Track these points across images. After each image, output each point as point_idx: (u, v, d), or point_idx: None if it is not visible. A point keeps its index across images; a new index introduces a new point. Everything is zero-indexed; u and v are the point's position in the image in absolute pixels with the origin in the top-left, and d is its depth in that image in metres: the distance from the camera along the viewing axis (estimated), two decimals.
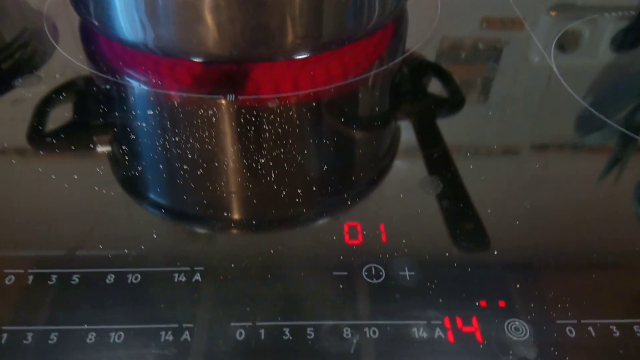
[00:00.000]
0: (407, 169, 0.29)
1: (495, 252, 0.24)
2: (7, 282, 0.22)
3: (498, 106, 0.34)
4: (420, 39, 0.39)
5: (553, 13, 0.44)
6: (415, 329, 0.20)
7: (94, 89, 0.33)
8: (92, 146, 0.29)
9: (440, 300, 0.21)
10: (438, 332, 0.20)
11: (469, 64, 0.37)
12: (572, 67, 0.37)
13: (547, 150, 0.31)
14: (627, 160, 0.30)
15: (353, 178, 0.28)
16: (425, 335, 0.20)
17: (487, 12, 0.43)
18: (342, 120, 0.32)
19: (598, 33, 0.42)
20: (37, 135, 0.29)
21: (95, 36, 0.37)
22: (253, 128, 0.30)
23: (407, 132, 0.31)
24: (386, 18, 0.36)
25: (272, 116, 0.30)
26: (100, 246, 0.23)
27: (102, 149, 0.29)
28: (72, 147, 0.29)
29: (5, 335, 0.20)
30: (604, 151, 0.30)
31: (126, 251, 0.23)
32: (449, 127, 0.31)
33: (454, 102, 0.34)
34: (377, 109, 0.34)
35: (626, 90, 0.36)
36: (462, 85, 0.35)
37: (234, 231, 0.25)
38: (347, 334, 0.20)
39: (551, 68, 0.36)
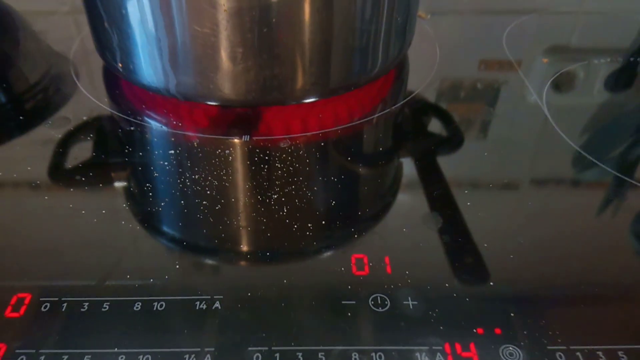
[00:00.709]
0: (410, 204, 0.31)
1: (492, 284, 0.25)
2: (43, 309, 0.23)
3: (494, 145, 0.36)
4: (421, 82, 0.42)
5: (545, 60, 0.47)
6: (418, 354, 0.22)
7: (119, 130, 0.36)
8: (118, 183, 0.31)
9: (441, 327, 0.23)
10: (439, 357, 0.22)
11: (466, 106, 0.40)
12: (563, 109, 0.40)
13: (541, 188, 0.33)
14: (617, 199, 0.32)
15: (359, 213, 0.30)
16: (427, 359, 0.22)
17: (482, 57, 0.46)
18: (349, 159, 0.34)
19: (589, 77, 0.45)
20: (66, 173, 0.32)
21: (118, 80, 0.40)
22: (266, 166, 0.32)
23: (409, 169, 0.34)
24: (389, 65, 0.39)
25: (284, 155, 0.33)
26: (128, 276, 0.25)
27: (128, 186, 0.31)
28: (100, 185, 0.31)
29: (42, 358, 0.22)
30: (594, 189, 0.32)
31: (151, 281, 0.25)
32: (448, 165, 0.33)
33: (453, 141, 0.36)
34: (381, 149, 0.36)
35: (616, 132, 0.38)
36: (461, 125, 0.37)
37: (250, 263, 0.27)
38: (356, 359, 0.22)
39: (542, 109, 0.38)
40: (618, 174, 0.33)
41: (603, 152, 0.35)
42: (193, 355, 0.22)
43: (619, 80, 0.45)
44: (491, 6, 0.56)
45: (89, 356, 0.22)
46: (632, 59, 0.47)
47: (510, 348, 0.22)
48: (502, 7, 0.56)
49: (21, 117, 0.37)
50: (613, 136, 0.38)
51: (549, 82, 0.42)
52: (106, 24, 0.35)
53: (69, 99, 0.39)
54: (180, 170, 0.32)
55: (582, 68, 0.45)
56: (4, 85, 0.40)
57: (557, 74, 0.44)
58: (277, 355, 0.22)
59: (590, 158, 0.34)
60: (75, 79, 0.41)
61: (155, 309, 0.24)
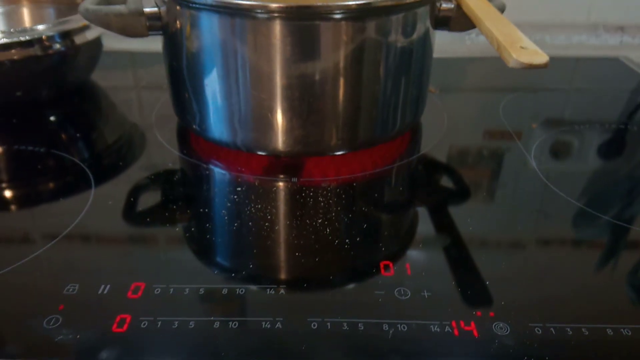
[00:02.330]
0: (423, 228, 0.39)
1: (487, 282, 0.34)
2: (155, 292, 0.32)
3: (494, 198, 0.45)
4: (431, 143, 0.52)
5: (534, 125, 0.56)
6: (431, 326, 0.30)
7: (197, 173, 0.46)
8: (201, 210, 0.40)
9: (449, 309, 0.31)
10: (447, 329, 0.30)
11: (471, 168, 0.49)
12: (559, 173, 0.47)
13: (536, 227, 0.41)
14: (621, 248, 0.38)
15: (385, 233, 0.39)
16: (438, 330, 0.30)
17: (481, 125, 0.56)
18: (375, 195, 0.43)
19: (582, 144, 0.53)
20: (161, 204, 0.41)
21: (189, 136, 0.50)
22: (311, 200, 0.41)
23: (421, 207, 0.42)
24: (405, 128, 0.49)
25: (324, 193, 0.42)
26: (216, 272, 0.34)
27: (210, 212, 0.40)
28: (188, 211, 0.40)
29: (160, 323, 0.30)
30: (588, 233, 0.39)
31: (233, 275, 0.33)
32: (453, 208, 0.42)
33: (459, 192, 0.45)
34: (400, 188, 0.46)
35: (613, 191, 0.45)
36: (464, 177, 0.47)
37: (305, 264, 0.35)
38: (386, 328, 0.30)
39: (536, 172, 0.47)
40: (618, 222, 0.39)
41: (600, 205, 0.41)
42: (268, 322, 0.30)
43: (610, 148, 0.53)
44: (488, 84, 0.68)
45: (192, 322, 0.30)
46: (622, 127, 0.56)
47: (501, 324, 0.30)
48: (497, 84, 0.67)
49: (120, 163, 0.47)
50: (610, 194, 0.44)
51: (543, 148, 0.50)
52: (188, 95, 0.46)
53: (153, 150, 0.49)
54: (246, 201, 0.41)
55: (578, 135, 0.53)
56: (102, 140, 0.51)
57: (552, 142, 0.52)
58: (329, 324, 0.30)
59: (588, 209, 0.40)
60: (157, 136, 0.51)
61: (237, 293, 0.32)
